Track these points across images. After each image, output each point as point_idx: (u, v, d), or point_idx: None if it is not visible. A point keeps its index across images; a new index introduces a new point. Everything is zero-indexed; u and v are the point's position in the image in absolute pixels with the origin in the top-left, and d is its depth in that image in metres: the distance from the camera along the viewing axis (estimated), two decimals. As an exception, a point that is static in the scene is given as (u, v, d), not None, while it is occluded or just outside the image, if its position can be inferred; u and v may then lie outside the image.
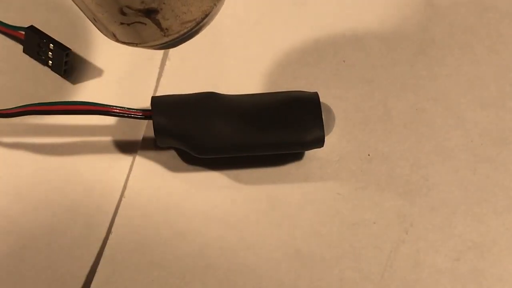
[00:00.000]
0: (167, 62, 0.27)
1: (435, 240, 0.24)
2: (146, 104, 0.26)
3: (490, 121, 0.26)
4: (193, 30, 0.19)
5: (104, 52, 0.27)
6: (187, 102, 0.24)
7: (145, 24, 0.18)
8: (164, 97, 0.24)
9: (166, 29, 0.18)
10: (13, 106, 0.24)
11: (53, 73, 0.27)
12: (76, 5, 0.18)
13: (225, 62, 0.28)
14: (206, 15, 0.19)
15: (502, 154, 0.25)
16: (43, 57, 0.27)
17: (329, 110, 0.24)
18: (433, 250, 0.23)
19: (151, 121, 0.24)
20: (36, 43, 0.27)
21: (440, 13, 0.28)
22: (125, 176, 0.25)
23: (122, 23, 0.18)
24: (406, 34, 0.28)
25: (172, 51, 0.27)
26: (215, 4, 0.19)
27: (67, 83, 0.27)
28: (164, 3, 0.17)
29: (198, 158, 0.24)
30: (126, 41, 0.19)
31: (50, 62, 0.27)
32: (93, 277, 0.23)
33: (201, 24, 0.19)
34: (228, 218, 0.24)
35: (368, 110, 0.26)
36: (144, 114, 0.24)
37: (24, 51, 0.27)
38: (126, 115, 0.23)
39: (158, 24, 0.18)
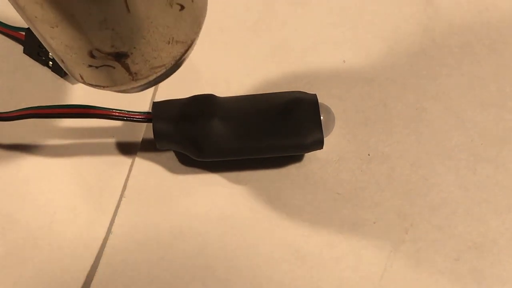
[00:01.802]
0: (167, 62, 0.27)
1: (435, 240, 0.24)
2: (146, 104, 0.26)
3: (490, 121, 0.26)
4: (162, 75, 0.19)
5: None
6: (186, 106, 0.24)
7: (114, 67, 0.17)
8: (164, 102, 0.24)
9: (135, 73, 0.18)
10: (13, 108, 0.24)
11: (53, 73, 0.27)
12: (44, 45, 0.18)
13: (225, 62, 0.28)
14: (176, 61, 0.18)
15: (502, 154, 0.25)
16: (43, 58, 0.27)
17: (329, 110, 0.24)
18: (433, 250, 0.23)
19: (150, 123, 0.24)
20: (37, 44, 0.27)
21: (440, 12, 0.28)
22: (125, 176, 0.25)
23: (90, 66, 0.17)
24: (406, 34, 0.28)
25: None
26: (185, 50, 0.18)
27: (67, 84, 0.27)
28: (134, 48, 0.17)
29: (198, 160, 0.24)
30: (94, 84, 0.19)
31: (50, 62, 0.27)
32: (93, 277, 0.23)
33: (170, 70, 0.19)
34: (228, 218, 0.24)
35: (368, 110, 0.26)
36: (144, 117, 0.24)
37: (24, 52, 0.27)
38: (125, 118, 0.23)
39: (127, 68, 0.18)
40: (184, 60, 0.19)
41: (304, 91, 0.25)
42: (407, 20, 0.28)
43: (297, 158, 0.25)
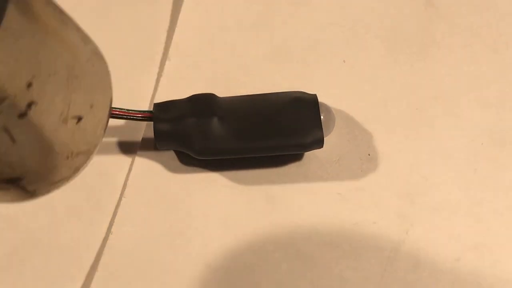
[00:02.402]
0: (167, 62, 0.27)
1: (436, 240, 0.24)
2: (146, 103, 0.26)
3: (490, 121, 0.26)
4: (64, 184, 0.17)
5: (103, 51, 0.27)
6: (187, 105, 0.24)
7: (8, 189, 0.15)
8: (165, 103, 0.24)
9: (34, 190, 0.16)
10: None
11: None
12: None
13: (225, 61, 0.28)
14: (79, 171, 0.17)
15: (502, 154, 0.25)
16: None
17: (329, 110, 0.24)
18: (433, 250, 0.23)
19: (150, 122, 0.24)
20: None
21: (441, 12, 0.28)
22: (125, 176, 0.25)
23: None
24: (406, 33, 0.28)
25: (172, 51, 0.28)
26: (88, 158, 0.17)
27: (67, 83, 0.27)
28: (27, 172, 0.15)
29: (198, 158, 0.24)
30: None
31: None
32: (93, 277, 0.23)
33: (72, 179, 0.17)
34: (228, 218, 0.24)
35: (368, 110, 0.26)
36: (144, 115, 0.24)
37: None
38: (125, 116, 0.23)
39: (23, 188, 0.15)
40: (87, 166, 0.17)
41: (304, 91, 0.25)
42: (407, 20, 0.28)
43: (297, 158, 0.25)
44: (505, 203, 0.24)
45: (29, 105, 0.13)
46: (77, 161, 0.16)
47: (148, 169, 0.25)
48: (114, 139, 0.26)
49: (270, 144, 0.23)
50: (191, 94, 0.24)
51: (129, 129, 0.26)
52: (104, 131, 0.17)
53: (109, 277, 0.23)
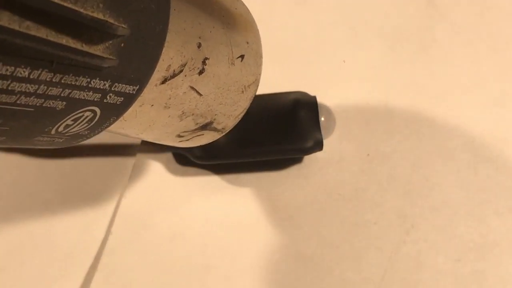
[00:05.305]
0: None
1: (436, 241, 0.23)
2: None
3: (491, 121, 0.26)
4: (244, 113, 0.19)
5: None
6: None
7: (203, 134, 0.18)
8: None
9: (223, 128, 0.19)
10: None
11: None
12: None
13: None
14: (252, 99, 0.19)
15: (503, 154, 0.25)
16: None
17: (329, 111, 0.24)
18: (434, 251, 0.23)
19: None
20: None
21: (441, 12, 0.28)
22: (125, 177, 0.25)
23: (181, 141, 0.18)
24: (407, 33, 0.28)
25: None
26: (257, 85, 0.19)
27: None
28: (216, 115, 0.18)
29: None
30: (187, 147, 0.20)
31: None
32: (93, 277, 0.23)
33: (248, 107, 0.19)
34: (228, 219, 0.24)
35: (369, 110, 0.26)
36: None
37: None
38: None
39: (214, 130, 0.18)
40: (256, 91, 0.19)
41: (304, 91, 0.24)
42: (408, 20, 0.28)
43: (298, 159, 0.25)
44: (505, 203, 0.24)
45: (204, 61, 0.16)
46: (250, 91, 0.19)
47: (148, 170, 0.25)
48: (114, 141, 0.26)
49: (270, 149, 0.23)
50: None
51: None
52: (262, 61, 0.19)
53: (109, 277, 0.23)
